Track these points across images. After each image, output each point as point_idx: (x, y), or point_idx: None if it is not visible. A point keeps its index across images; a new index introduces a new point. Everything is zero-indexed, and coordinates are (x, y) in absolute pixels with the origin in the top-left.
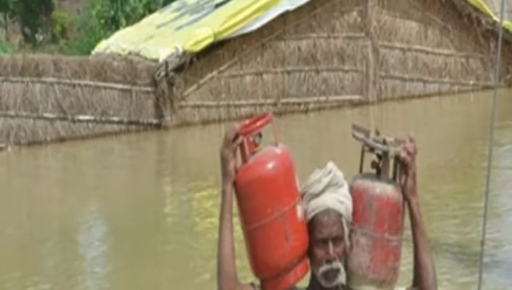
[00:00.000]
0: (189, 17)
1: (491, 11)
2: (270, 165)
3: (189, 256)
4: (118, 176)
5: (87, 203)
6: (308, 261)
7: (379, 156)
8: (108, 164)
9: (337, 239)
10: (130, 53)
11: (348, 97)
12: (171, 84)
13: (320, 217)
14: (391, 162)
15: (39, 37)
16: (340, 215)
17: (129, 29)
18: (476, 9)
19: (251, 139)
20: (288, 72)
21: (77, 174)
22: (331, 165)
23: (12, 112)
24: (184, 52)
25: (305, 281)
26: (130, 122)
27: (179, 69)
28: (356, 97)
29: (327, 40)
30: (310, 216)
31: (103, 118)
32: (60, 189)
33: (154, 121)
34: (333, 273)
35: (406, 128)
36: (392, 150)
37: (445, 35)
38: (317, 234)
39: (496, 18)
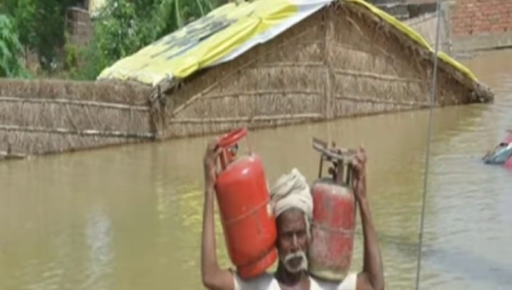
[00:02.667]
0: (178, 48)
1: (428, 43)
2: (244, 171)
3: (178, 246)
4: (119, 180)
5: (93, 202)
6: (276, 250)
7: (335, 164)
8: (111, 170)
9: (300, 232)
10: (128, 78)
11: (309, 115)
12: (162, 104)
13: (286, 214)
14: (345, 168)
15: (53, 65)
16: (303, 212)
17: (128, 58)
18: (416, 42)
19: (229, 149)
20: (260, 94)
21: (85, 178)
22: (295, 171)
23: (31, 127)
24: (173, 78)
25: (273, 268)
26: (129, 136)
27: (169, 91)
28: (316, 115)
29: (292, 67)
30: (277, 213)
31: (106, 132)
32: (71, 191)
33: (149, 134)
34: (297, 260)
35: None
36: (346, 159)
37: (389, 63)
38: (284, 228)
39: (432, 49)
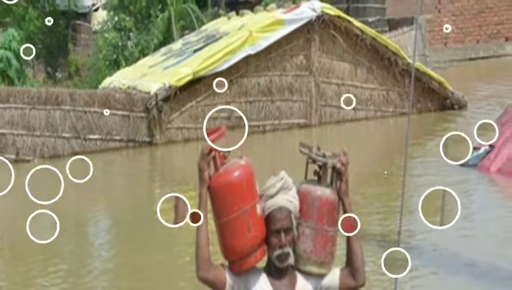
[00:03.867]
0: (174, 59)
1: (406, 55)
2: (236, 173)
3: (174, 243)
4: (119, 181)
5: (95, 202)
6: (265, 247)
7: (320, 167)
8: (112, 172)
9: (288, 230)
10: (128, 87)
11: (296, 121)
12: (160, 111)
13: (274, 213)
14: (329, 171)
15: (58, 75)
16: (290, 211)
17: (128, 69)
18: (395, 53)
19: (221, 153)
20: (250, 102)
21: (88, 181)
22: (283, 173)
23: (38, 133)
24: (170, 87)
25: (263, 263)
26: (129, 140)
27: (166, 99)
28: (302, 121)
29: (280, 77)
30: (266, 212)
31: (108, 137)
32: (75, 191)
33: (147, 139)
34: (284, 256)
35: (341, 145)
36: (330, 162)
37: (370, 73)
38: (272, 226)
39: (410, 60)
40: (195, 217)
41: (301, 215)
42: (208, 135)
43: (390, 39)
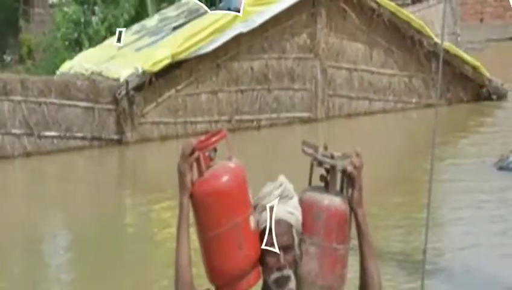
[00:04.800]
0: (149, 39)
1: (433, 33)
2: (224, 179)
3: (149, 264)
4: (81, 188)
5: (52, 214)
6: (260, 268)
7: (327, 170)
8: (72, 177)
9: (288, 248)
10: (92, 73)
11: (298, 114)
12: (131, 102)
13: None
14: (339, 175)
15: (7, 58)
16: (290, 225)
17: (92, 50)
18: (419, 31)
19: (207, 154)
20: (242, 91)
21: (43, 187)
22: (282, 178)
23: None
24: (144, 72)
25: (257, 288)
26: (93, 138)
27: (138, 88)
28: (306, 114)
29: (278, 60)
30: (262, 226)
31: (67, 134)
32: (26, 201)
33: (116, 137)
34: (284, 280)
35: (353, 144)
36: (340, 164)
37: (389, 56)
38: None
39: (437, 40)
40: None
41: (304, 230)
42: (208, 138)
43: (413, 14)
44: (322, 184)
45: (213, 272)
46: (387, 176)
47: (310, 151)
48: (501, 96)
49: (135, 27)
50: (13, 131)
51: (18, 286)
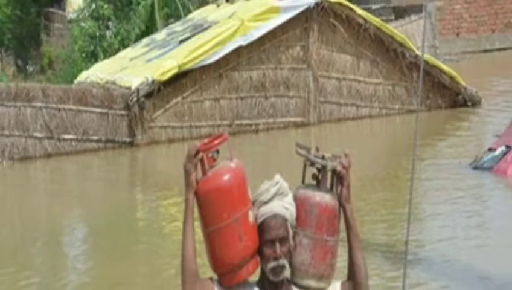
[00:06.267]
0: (157, 51)
1: (414, 46)
2: (226, 177)
3: (157, 254)
4: (97, 186)
5: (70, 209)
6: (258, 258)
7: (319, 170)
8: (89, 176)
9: (283, 240)
10: (107, 82)
11: (292, 119)
12: (141, 108)
13: (268, 221)
14: (329, 174)
15: (30, 68)
16: (285, 219)
17: (106, 61)
18: (401, 44)
19: (210, 155)
20: (242, 98)
21: (62, 185)
22: (277, 177)
23: (7, 132)
24: (153, 81)
25: (255, 276)
26: (107, 141)
27: (148, 95)
28: (299, 119)
29: (274, 70)
30: (260, 220)
31: (84, 137)
32: (48, 197)
33: (128, 139)
34: (280, 269)
35: (342, 146)
36: (330, 164)
37: (374, 66)
38: (266, 235)
39: (418, 52)
40: None
41: (298, 223)
42: (211, 141)
43: (396, 29)
44: (314, 182)
45: (215, 262)
46: (372, 175)
47: (303, 152)
48: (475, 103)
49: (145, 40)
50: (35, 134)
51: (40, 274)
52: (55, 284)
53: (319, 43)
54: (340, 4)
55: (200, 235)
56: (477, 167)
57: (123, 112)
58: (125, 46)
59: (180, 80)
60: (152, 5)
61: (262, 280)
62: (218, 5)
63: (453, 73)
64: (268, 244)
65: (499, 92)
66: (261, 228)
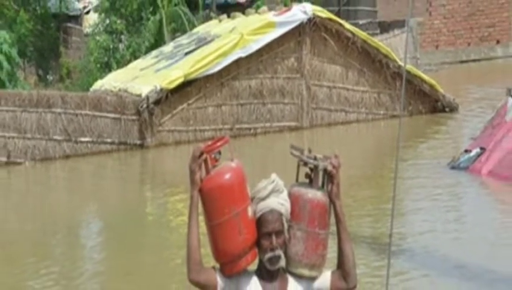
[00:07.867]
0: (165, 62)
1: (397, 57)
2: (227, 176)
3: (165, 246)
4: (111, 184)
5: (86, 205)
6: (256, 249)
7: (311, 169)
8: (103, 175)
9: (279, 233)
10: (119, 90)
11: (287, 124)
12: (151, 113)
13: (266, 216)
14: (320, 173)
15: (50, 77)
16: (281, 214)
17: (119, 71)
18: (386, 56)
19: (213, 156)
20: (241, 104)
21: (79, 183)
22: (274, 175)
23: (29, 135)
24: (161, 89)
25: (254, 265)
26: (120, 143)
27: (157, 102)
28: (293, 124)
29: (271, 79)
30: (258, 215)
31: (99, 140)
32: (66, 194)
33: (138, 142)
34: (276, 259)
35: (332, 148)
36: (321, 164)
37: (361, 76)
38: (264, 228)
39: (401, 63)
40: None
41: (292, 217)
42: (213, 143)
43: (381, 42)
44: (307, 181)
45: (218, 252)
46: (360, 174)
47: (297, 153)
48: (453, 109)
49: (154, 52)
50: (55, 137)
51: (59, 263)
52: (73, 273)
53: (311, 55)
54: (331, 19)
55: (204, 228)
56: (454, 166)
57: (134, 117)
58: (136, 58)
59: (185, 88)
60: (160, 21)
61: (260, 269)
62: (220, 20)
63: (433, 82)
64: (266, 237)
65: (474, 99)
66: (259, 222)
